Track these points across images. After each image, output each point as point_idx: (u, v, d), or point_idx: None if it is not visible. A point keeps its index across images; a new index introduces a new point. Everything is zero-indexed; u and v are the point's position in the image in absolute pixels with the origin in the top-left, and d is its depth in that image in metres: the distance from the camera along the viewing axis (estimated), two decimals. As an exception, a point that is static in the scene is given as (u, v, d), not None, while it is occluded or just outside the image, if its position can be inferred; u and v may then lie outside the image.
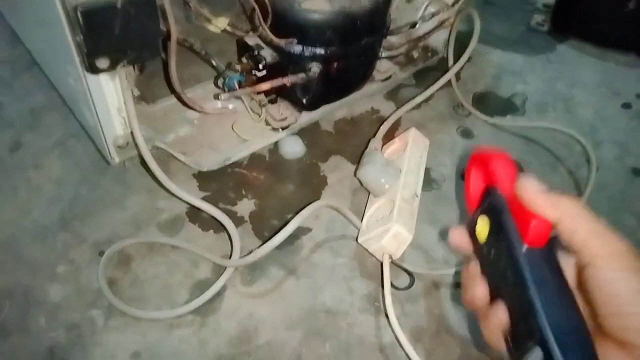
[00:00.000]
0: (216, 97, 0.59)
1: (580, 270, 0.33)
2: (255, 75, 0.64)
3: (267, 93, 0.68)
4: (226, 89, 0.62)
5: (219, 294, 0.54)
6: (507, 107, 0.81)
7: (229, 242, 0.57)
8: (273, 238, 0.52)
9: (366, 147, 0.66)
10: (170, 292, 0.54)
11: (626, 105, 0.83)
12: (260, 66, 0.64)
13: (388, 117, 0.73)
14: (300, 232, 0.61)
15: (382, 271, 0.54)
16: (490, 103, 0.81)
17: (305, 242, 0.60)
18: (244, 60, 0.65)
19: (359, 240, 0.59)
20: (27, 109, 0.70)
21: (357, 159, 0.69)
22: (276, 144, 0.69)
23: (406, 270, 0.56)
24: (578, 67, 0.90)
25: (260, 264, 0.57)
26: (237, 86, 0.63)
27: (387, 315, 0.51)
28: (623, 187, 0.71)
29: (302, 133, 0.71)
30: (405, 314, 0.54)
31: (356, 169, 0.65)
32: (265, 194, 0.64)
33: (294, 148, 0.69)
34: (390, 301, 0.51)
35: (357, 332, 0.53)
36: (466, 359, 0.50)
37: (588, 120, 0.80)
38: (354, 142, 0.72)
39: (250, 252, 0.54)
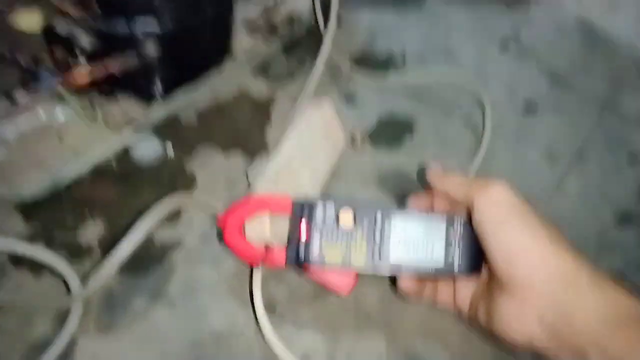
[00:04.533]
0: (8, 96, 0.45)
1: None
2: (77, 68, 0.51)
3: (100, 88, 0.55)
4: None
5: (66, 354, 0.40)
6: (386, 66, 0.74)
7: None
8: (117, 250, 0.40)
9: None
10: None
11: (504, 46, 0.80)
12: (81, 59, 0.51)
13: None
14: (169, 248, 0.48)
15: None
16: (369, 65, 0.74)
17: (178, 259, 0.48)
18: (57, 55, 0.52)
19: None
20: None
21: (228, 148, 0.58)
22: (127, 149, 0.56)
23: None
24: (451, 15, 0.86)
25: (120, 299, 0.44)
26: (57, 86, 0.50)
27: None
28: (519, 124, 0.67)
29: (158, 132, 0.58)
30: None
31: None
32: (118, 211, 0.51)
33: (147, 150, 0.56)
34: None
35: (262, 353, 0.41)
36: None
37: (470, 65, 0.76)
38: (223, 130, 0.60)
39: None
